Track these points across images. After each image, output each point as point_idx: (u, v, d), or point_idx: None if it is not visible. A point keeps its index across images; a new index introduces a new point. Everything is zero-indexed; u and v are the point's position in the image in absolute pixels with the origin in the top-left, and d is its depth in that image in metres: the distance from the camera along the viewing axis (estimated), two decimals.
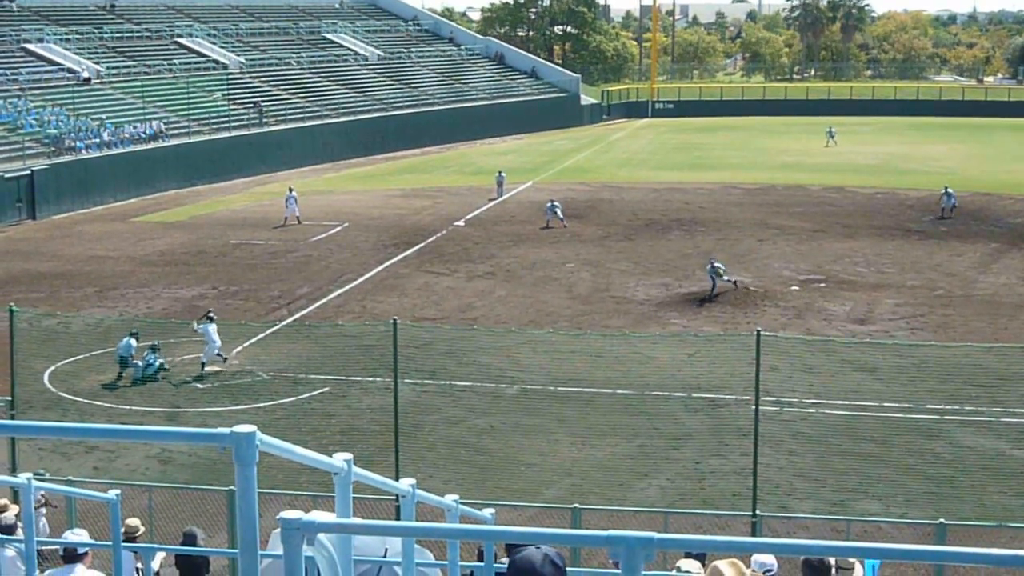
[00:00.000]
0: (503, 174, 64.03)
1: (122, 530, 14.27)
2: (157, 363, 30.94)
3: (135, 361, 30.76)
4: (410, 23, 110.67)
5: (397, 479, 7.76)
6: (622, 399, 28.67)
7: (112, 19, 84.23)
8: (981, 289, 40.63)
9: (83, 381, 30.74)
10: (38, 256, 47.72)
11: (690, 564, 9.23)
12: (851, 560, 11.86)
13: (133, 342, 30.66)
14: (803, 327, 35.52)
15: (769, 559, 11.36)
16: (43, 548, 13.08)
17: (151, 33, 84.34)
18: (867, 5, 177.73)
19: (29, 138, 61.09)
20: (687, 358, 32.09)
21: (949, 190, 55.39)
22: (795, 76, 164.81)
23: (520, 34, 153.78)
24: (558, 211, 53.24)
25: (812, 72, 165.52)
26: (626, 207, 58.45)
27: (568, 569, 5.07)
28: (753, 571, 4.12)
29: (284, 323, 36.55)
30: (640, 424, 27.19)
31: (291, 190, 55.32)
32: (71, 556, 10.34)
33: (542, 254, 46.78)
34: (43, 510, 18.92)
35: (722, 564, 4.40)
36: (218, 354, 31.57)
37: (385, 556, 7.89)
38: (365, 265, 44.93)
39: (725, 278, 39.53)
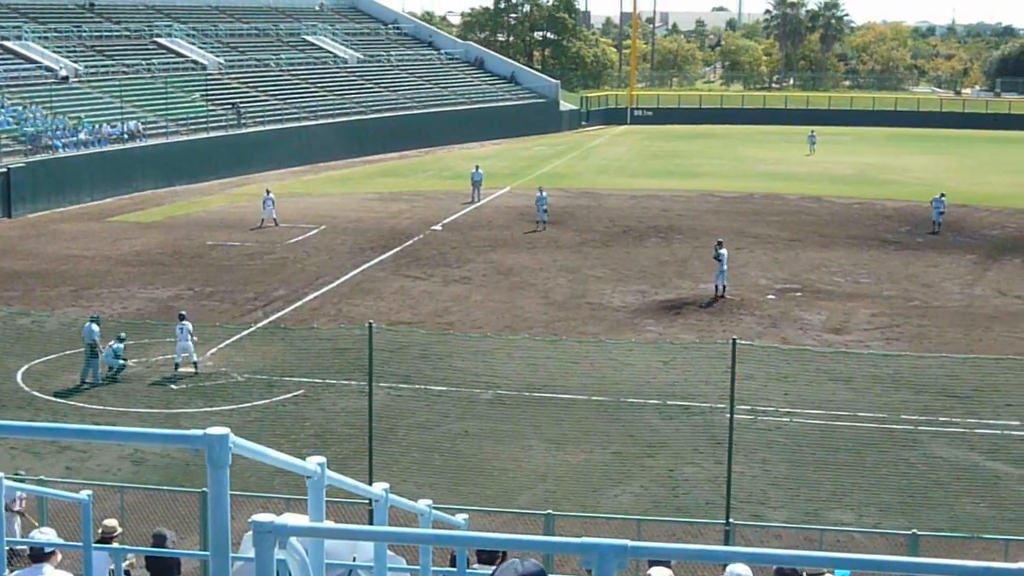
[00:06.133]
0: (480, 171, 63.24)
1: (99, 530, 14.23)
2: (122, 359, 30.78)
3: (107, 347, 30.52)
4: (390, 26, 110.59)
5: (371, 483, 7.74)
6: (597, 405, 28.69)
7: (91, 18, 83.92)
8: (956, 300, 40.78)
9: (56, 380, 30.59)
10: (13, 255, 47.48)
11: (659, 572, 9.19)
12: (822, 569, 11.87)
13: (95, 327, 30.35)
14: (779, 336, 35.60)
15: (737, 568, 11.31)
16: (14, 548, 12.99)
17: (130, 32, 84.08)
18: (846, 15, 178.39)
19: (5, 136, 60.76)
20: (662, 365, 32.13)
21: (942, 197, 54.11)
22: (774, 85, 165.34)
23: (500, 39, 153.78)
24: (545, 206, 53.82)
25: (791, 81, 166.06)
26: (604, 214, 58.49)
27: None
28: None
29: (259, 325, 36.45)
30: (615, 431, 27.19)
31: (268, 192, 55.25)
32: (38, 556, 10.26)
33: (519, 259, 46.76)
34: (17, 514, 18.83)
35: None
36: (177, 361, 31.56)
37: (355, 562, 7.87)
38: (341, 268, 44.83)
39: (721, 279, 39.89)
